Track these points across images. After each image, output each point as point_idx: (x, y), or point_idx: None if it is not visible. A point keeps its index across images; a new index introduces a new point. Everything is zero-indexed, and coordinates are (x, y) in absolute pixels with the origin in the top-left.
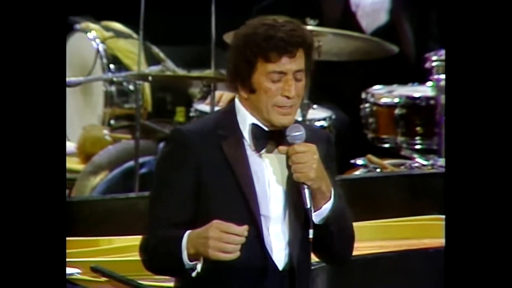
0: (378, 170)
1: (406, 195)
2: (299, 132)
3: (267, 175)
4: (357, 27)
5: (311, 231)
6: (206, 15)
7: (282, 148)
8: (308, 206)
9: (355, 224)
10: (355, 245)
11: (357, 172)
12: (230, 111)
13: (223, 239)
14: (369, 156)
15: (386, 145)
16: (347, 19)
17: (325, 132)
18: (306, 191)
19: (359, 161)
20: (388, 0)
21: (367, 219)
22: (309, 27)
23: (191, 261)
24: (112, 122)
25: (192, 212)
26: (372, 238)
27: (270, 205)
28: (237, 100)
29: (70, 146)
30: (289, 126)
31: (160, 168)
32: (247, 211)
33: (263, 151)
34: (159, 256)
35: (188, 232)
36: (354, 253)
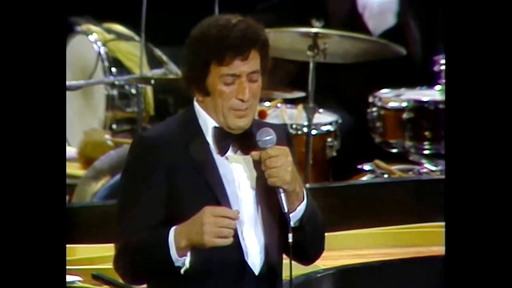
0: (385, 175)
1: (414, 201)
2: (270, 136)
3: (236, 177)
4: (363, 28)
5: (290, 235)
6: (209, 16)
7: (255, 153)
8: (286, 210)
9: (361, 231)
10: (362, 252)
11: (364, 178)
12: (190, 114)
13: (218, 223)
14: (376, 161)
15: (394, 150)
16: (354, 21)
17: (282, 128)
18: (283, 195)
19: (366, 166)
20: (396, 2)
21: (373, 226)
22: (314, 29)
23: (180, 256)
24: (113, 126)
25: (165, 217)
26: (378, 245)
27: (242, 208)
28: (195, 103)
29: (71, 151)
30: (245, 128)
31: (128, 177)
32: None
33: (229, 153)
34: (141, 259)
35: (173, 228)
36: (360, 260)
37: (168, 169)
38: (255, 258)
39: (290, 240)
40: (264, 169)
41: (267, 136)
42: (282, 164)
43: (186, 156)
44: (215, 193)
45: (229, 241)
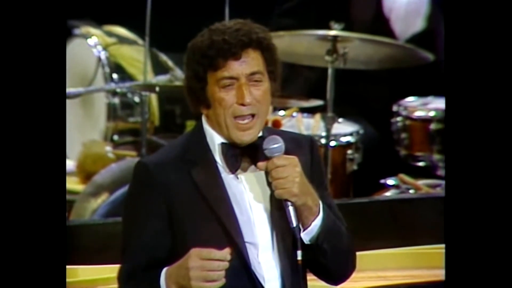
0: (411, 191)
1: (442, 219)
2: (277, 144)
3: (247, 197)
4: (390, 33)
5: (299, 253)
6: (219, 19)
7: (261, 164)
8: (294, 225)
9: (385, 251)
10: (386, 274)
11: (387, 193)
12: (198, 132)
13: (205, 267)
14: (401, 175)
15: (420, 164)
16: (380, 25)
17: (307, 137)
18: (291, 209)
19: (390, 181)
20: (425, 5)
21: (399, 246)
22: (333, 32)
23: None
24: (115, 137)
25: (168, 249)
26: (403, 266)
27: (255, 231)
28: (203, 119)
29: (69, 164)
30: (251, 142)
31: (128, 207)
32: (228, 240)
33: (239, 171)
34: None
35: (164, 269)
36: (384, 283)
37: (169, 200)
38: (273, 284)
39: (299, 258)
40: (270, 180)
41: (274, 144)
42: (289, 174)
43: (189, 181)
44: (221, 219)
45: (220, 283)
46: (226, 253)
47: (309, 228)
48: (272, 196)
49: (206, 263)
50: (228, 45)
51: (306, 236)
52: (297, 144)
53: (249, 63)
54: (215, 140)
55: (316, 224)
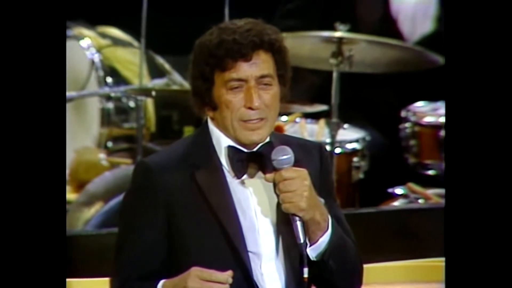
0: (420, 200)
1: None
2: (286, 156)
3: (253, 204)
4: (398, 35)
5: (305, 270)
6: (218, 20)
7: (269, 176)
8: (301, 240)
9: (393, 263)
10: None
11: (395, 203)
12: (203, 134)
13: None
14: (410, 184)
15: (430, 172)
16: (386, 26)
17: (316, 144)
18: (298, 224)
19: (398, 190)
20: (433, 6)
21: (407, 258)
22: (338, 34)
23: None
24: (109, 144)
25: (165, 258)
26: (413, 280)
27: (259, 240)
28: (209, 121)
29: None
30: (260, 142)
31: (125, 210)
32: (230, 249)
33: (245, 176)
34: None
35: (161, 282)
36: None
37: (169, 205)
38: None
39: (305, 275)
40: (277, 193)
41: (283, 156)
42: (297, 188)
43: (192, 185)
44: (224, 226)
45: None
46: (228, 275)
47: (316, 244)
48: (279, 204)
49: (206, 285)
50: (238, 46)
51: (312, 252)
52: (306, 152)
53: (259, 65)
54: (221, 142)
55: (323, 240)
